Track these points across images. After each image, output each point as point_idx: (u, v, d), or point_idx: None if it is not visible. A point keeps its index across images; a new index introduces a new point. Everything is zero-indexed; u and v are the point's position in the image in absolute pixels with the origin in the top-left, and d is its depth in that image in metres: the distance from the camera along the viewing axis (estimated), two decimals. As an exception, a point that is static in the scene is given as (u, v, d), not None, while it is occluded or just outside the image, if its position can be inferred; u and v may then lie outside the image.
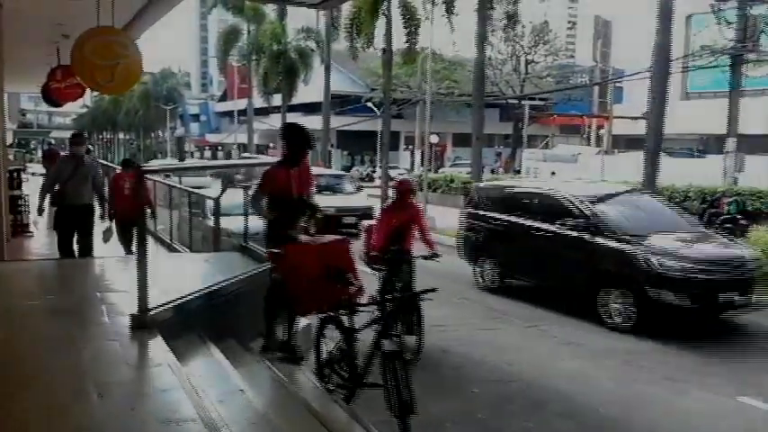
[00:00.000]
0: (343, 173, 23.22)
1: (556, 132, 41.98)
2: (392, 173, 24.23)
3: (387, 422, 4.19)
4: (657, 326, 7.66)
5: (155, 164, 34.65)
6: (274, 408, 3.98)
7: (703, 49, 21.66)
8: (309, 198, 5.00)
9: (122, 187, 10.09)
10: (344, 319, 4.54)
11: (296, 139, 4.95)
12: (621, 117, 35.23)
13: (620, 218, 8.66)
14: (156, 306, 4.43)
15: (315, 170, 5.78)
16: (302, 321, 5.48)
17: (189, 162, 50.69)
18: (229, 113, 59.11)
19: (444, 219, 15.59)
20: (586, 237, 8.42)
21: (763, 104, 25.82)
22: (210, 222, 10.31)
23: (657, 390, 6.02)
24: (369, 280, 5.29)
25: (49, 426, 3.01)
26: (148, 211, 10.44)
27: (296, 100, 35.11)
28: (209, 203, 10.32)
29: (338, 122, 38.62)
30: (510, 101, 39.73)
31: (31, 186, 13.45)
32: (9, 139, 19.73)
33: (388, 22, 21.48)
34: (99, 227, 8.50)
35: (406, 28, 21.43)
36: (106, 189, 9.18)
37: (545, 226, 9.07)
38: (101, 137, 77.36)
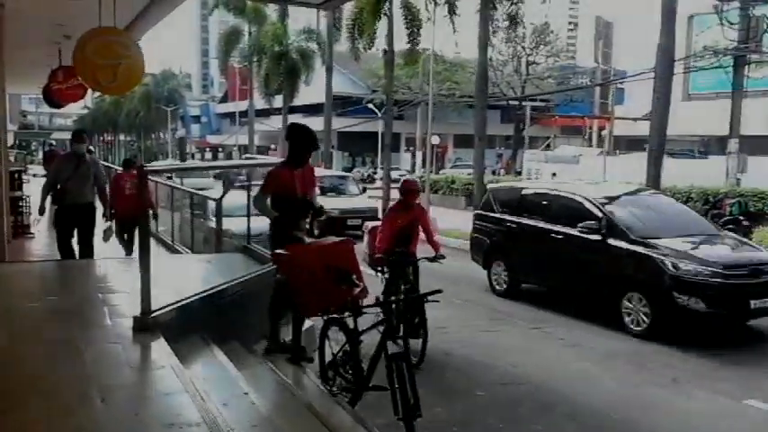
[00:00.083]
0: (347, 174, 23.11)
1: (557, 134, 41.90)
2: (393, 174, 24.19)
3: (392, 425, 4.14)
4: (681, 332, 7.44)
5: (157, 164, 34.68)
6: (279, 411, 3.93)
7: (706, 49, 21.60)
8: (313, 199, 4.97)
9: (123, 187, 10.06)
10: (349, 320, 4.49)
11: (300, 140, 4.92)
12: (623, 118, 35.20)
13: (641, 220, 8.41)
14: (158, 308, 4.38)
15: (318, 171, 5.75)
16: (305, 323, 5.43)
17: (190, 162, 50.62)
18: (230, 115, 59.17)
19: (446, 220, 15.57)
20: (606, 240, 8.15)
21: (764, 106, 25.74)
22: (212, 223, 10.30)
23: (664, 392, 5.98)
24: (372, 282, 5.23)
25: (52, 431, 2.97)
26: (150, 212, 10.44)
27: (297, 101, 35.08)
28: (211, 204, 10.30)
29: (339, 124, 38.60)
30: (511, 102, 39.72)
31: (32, 187, 13.41)
32: (10, 141, 19.67)
33: (390, 23, 21.45)
34: (99, 226, 8.46)
35: (408, 29, 21.40)
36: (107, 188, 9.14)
37: (562, 228, 8.80)
38: (101, 138, 77.35)
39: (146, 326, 4.25)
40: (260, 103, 37.83)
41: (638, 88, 34.02)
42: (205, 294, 4.99)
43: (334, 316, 4.56)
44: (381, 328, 4.31)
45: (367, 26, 21.08)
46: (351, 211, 15.07)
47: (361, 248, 5.80)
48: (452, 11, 19.70)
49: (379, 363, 4.32)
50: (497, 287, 9.75)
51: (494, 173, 35.94)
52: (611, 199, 8.93)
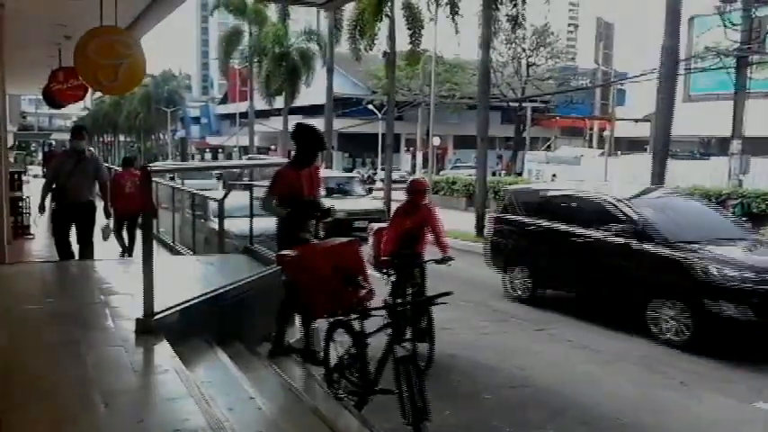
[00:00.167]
0: (353, 175, 22.93)
1: (557, 135, 41.91)
2: (393, 175, 24.11)
3: (400, 430, 4.07)
4: (715, 341, 7.09)
5: (160, 164, 34.57)
6: (284, 415, 3.85)
7: (708, 50, 21.55)
8: (318, 199, 4.91)
9: (123, 186, 10.00)
10: (355, 323, 4.42)
11: (307, 140, 4.87)
12: (624, 119, 35.18)
13: (675, 223, 8.01)
14: (161, 310, 4.31)
15: (323, 172, 5.69)
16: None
17: (193, 163, 50.58)
18: (230, 116, 59.13)
19: (447, 221, 15.39)
20: (635, 244, 7.76)
21: (767, 107, 25.70)
22: (213, 224, 10.23)
23: (673, 395, 5.90)
24: (378, 284, 5.15)
25: (54, 437, 2.91)
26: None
27: (297, 102, 35.07)
28: (212, 205, 10.23)
29: (339, 125, 38.58)
30: (511, 103, 39.67)
31: (32, 188, 13.35)
32: (10, 142, 19.62)
33: (392, 24, 21.39)
34: (99, 225, 8.39)
35: (409, 29, 21.35)
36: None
37: (590, 232, 8.39)
38: (101, 139, 77.32)
39: (148, 328, 4.17)
40: (260, 105, 37.79)
41: (638, 90, 34.02)
42: (208, 296, 4.92)
43: (341, 318, 4.48)
44: (388, 332, 4.24)
45: (368, 27, 21.02)
46: (357, 213, 14.80)
47: (365, 250, 5.71)
48: (455, 11, 19.64)
49: (384, 366, 4.26)
50: (518, 293, 9.34)
51: (494, 174, 35.90)
52: (642, 201, 8.57)
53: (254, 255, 6.83)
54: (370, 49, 23.14)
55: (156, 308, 4.26)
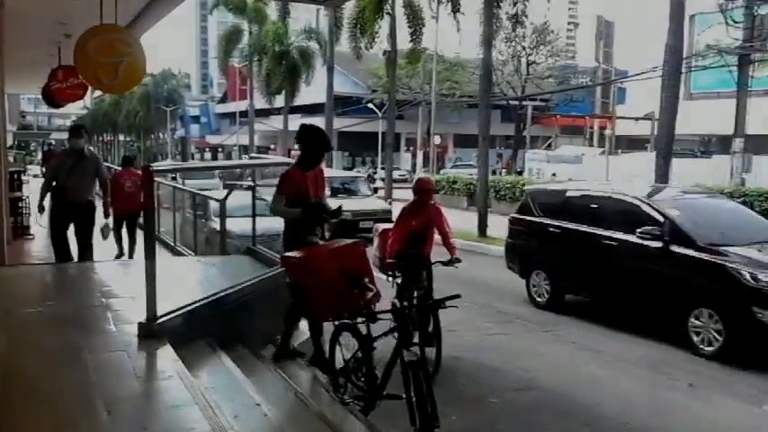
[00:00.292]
0: (358, 174, 22.75)
1: (557, 133, 41.80)
2: (393, 174, 24.10)
3: (407, 435, 4.00)
4: (761, 353, 6.64)
5: (161, 164, 34.44)
6: (290, 421, 3.79)
7: (710, 48, 21.48)
8: (323, 201, 4.85)
9: (122, 186, 9.93)
10: (361, 326, 4.34)
11: (313, 141, 4.81)
12: (625, 117, 35.09)
13: (707, 225, 7.55)
14: (164, 314, 4.24)
15: (329, 172, 5.62)
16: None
17: (194, 162, 50.47)
18: (230, 115, 59.05)
19: (448, 220, 15.36)
20: (669, 247, 7.31)
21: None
22: (214, 224, 10.17)
23: (681, 397, 5.84)
24: (383, 286, 5.07)
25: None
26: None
27: (297, 101, 34.99)
28: (213, 205, 10.16)
29: (339, 124, 38.51)
30: (511, 102, 39.60)
31: (32, 188, 13.27)
32: (9, 141, 19.56)
33: (393, 22, 21.32)
34: (98, 225, 8.31)
35: (410, 27, 21.27)
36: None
37: (616, 234, 7.95)
38: (101, 138, 77.20)
39: (151, 332, 4.10)
40: (259, 103, 37.73)
41: (638, 88, 33.96)
42: (211, 299, 4.85)
43: (346, 321, 4.41)
44: (395, 335, 4.17)
45: (369, 25, 20.94)
46: (363, 213, 14.55)
47: (371, 251, 5.62)
48: (456, 9, 19.55)
49: (391, 370, 4.18)
50: (538, 299, 8.98)
51: (494, 173, 35.85)
52: (672, 201, 8.13)
53: (257, 256, 6.76)
54: (371, 48, 23.08)
55: (159, 311, 4.19)
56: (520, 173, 31.74)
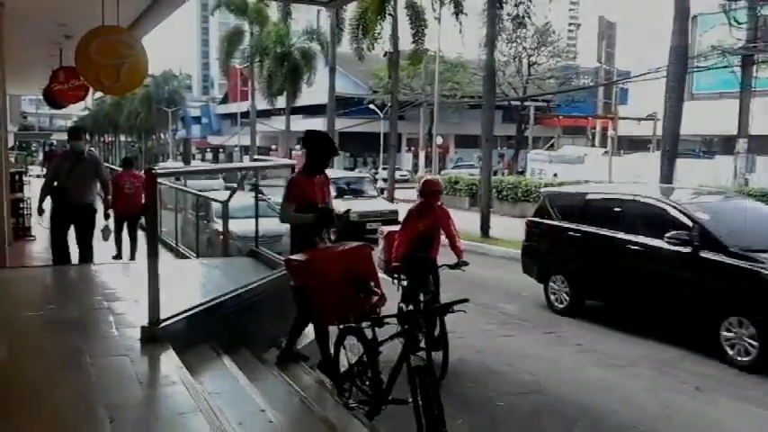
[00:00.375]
0: (364, 175, 22.63)
1: (559, 134, 41.73)
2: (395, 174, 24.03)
3: (413, 440, 3.94)
4: None
5: (163, 166, 34.34)
6: (296, 428, 3.74)
7: (714, 49, 21.40)
8: (330, 206, 4.80)
9: (123, 187, 9.89)
10: (366, 330, 4.28)
11: (319, 147, 4.78)
12: (628, 118, 34.98)
13: (739, 229, 7.19)
14: (167, 317, 4.18)
15: (334, 173, 5.59)
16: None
17: (197, 164, 50.43)
18: (231, 116, 59.03)
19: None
20: (699, 253, 6.98)
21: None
22: (216, 225, 10.13)
23: (689, 401, 5.76)
24: (389, 289, 5.02)
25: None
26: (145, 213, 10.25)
27: (298, 102, 34.96)
28: (215, 206, 10.12)
29: (340, 124, 38.46)
30: (513, 102, 39.50)
31: (33, 189, 13.23)
32: (10, 142, 19.53)
33: (395, 23, 21.26)
34: (98, 227, 8.27)
35: (413, 29, 21.21)
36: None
37: (641, 239, 7.65)
38: (102, 139, 77.23)
39: (154, 336, 4.05)
40: (260, 104, 37.71)
41: (641, 88, 33.85)
42: (215, 302, 4.79)
43: (352, 325, 4.35)
44: (401, 340, 4.11)
45: (371, 26, 20.89)
46: (370, 214, 14.41)
47: (376, 254, 5.55)
48: (459, 10, 19.49)
49: (397, 375, 4.12)
50: (557, 304, 8.71)
51: (495, 173, 35.79)
52: (700, 204, 7.83)
53: (260, 258, 6.71)
54: (373, 49, 23.02)
55: (161, 314, 4.14)
56: (521, 173, 31.65)
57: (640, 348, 7.23)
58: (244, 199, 9.01)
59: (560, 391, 5.90)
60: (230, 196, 8.12)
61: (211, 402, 3.23)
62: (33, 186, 14.60)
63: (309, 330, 5.05)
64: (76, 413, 3.14)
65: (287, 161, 8.55)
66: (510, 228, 16.17)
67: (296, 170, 6.39)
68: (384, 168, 33.52)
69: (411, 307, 5.60)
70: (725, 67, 20.98)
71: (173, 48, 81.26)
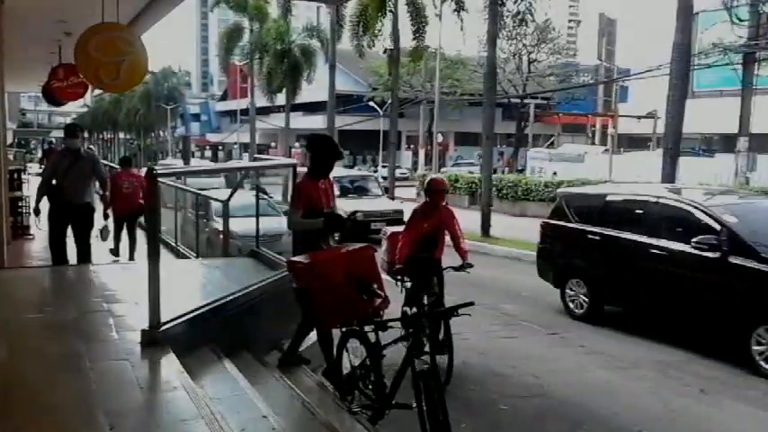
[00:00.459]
0: (369, 173, 22.49)
1: (559, 131, 41.68)
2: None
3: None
4: None
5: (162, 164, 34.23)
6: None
7: (715, 46, 21.33)
8: (335, 210, 4.75)
9: (121, 186, 9.82)
10: (370, 334, 4.22)
11: (323, 150, 4.73)
12: (628, 116, 34.94)
13: None
14: (168, 320, 4.12)
15: (338, 171, 5.53)
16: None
17: (196, 162, 50.40)
18: (230, 113, 58.95)
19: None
20: (728, 258, 6.70)
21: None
22: (215, 224, 10.07)
23: (693, 403, 5.72)
24: (392, 291, 4.95)
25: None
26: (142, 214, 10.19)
27: (297, 99, 34.87)
28: (215, 205, 10.06)
29: (340, 122, 38.39)
30: (512, 100, 39.42)
31: (32, 187, 13.16)
32: (9, 139, 19.46)
33: (395, 20, 21.19)
34: (97, 226, 8.21)
35: (413, 26, 21.13)
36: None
37: (664, 243, 7.36)
38: (101, 136, 77.09)
39: (155, 340, 3.99)
40: (260, 101, 37.63)
41: (641, 86, 33.81)
42: (216, 304, 4.73)
43: (355, 328, 4.29)
44: (405, 343, 4.05)
45: (371, 23, 20.81)
46: (375, 214, 14.18)
47: (379, 255, 5.48)
48: (461, 7, 19.41)
49: (401, 379, 4.07)
50: (575, 309, 8.44)
51: (495, 171, 35.72)
52: (728, 207, 7.44)
53: (261, 258, 6.65)
54: (373, 46, 22.95)
55: (162, 317, 4.08)
56: (521, 171, 31.61)
57: (644, 350, 7.18)
58: (244, 198, 8.95)
59: (564, 394, 5.85)
60: (231, 195, 8.05)
61: (213, 408, 3.18)
62: (32, 184, 14.53)
63: (311, 333, 4.99)
64: (76, 418, 3.08)
65: (288, 160, 8.50)
66: (510, 227, 16.15)
67: (297, 169, 6.39)
68: (384, 166, 33.47)
69: (415, 310, 5.52)
70: (726, 64, 20.92)
71: (172, 44, 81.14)
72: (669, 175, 12.57)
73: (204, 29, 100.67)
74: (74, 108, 63.89)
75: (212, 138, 65.44)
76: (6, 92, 9.79)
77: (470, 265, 5.94)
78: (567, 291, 8.64)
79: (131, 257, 9.84)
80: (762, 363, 6.37)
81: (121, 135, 72.12)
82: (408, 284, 5.80)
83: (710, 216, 7.10)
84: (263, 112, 41.78)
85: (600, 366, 6.70)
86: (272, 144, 54.07)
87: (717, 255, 6.79)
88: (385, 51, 24.83)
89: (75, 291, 6.04)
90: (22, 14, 8.20)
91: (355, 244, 4.51)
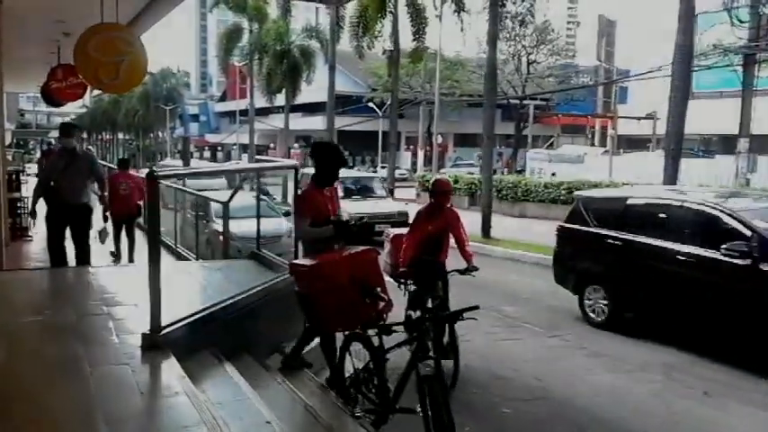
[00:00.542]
0: (373, 175, 22.37)
1: (558, 132, 41.66)
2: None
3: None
4: None
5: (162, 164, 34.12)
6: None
7: (716, 47, 21.31)
8: (341, 217, 4.70)
9: (118, 188, 9.78)
10: (373, 337, 4.18)
11: (329, 158, 4.68)
12: (628, 117, 34.91)
13: None
14: (168, 324, 4.07)
15: (343, 172, 5.45)
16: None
17: (195, 163, 50.25)
18: (229, 113, 58.90)
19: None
20: (760, 266, 6.37)
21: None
22: (215, 226, 10.01)
23: (697, 406, 5.68)
24: (395, 294, 4.90)
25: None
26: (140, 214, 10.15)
27: (297, 100, 34.84)
28: (215, 206, 10.01)
29: (339, 123, 38.38)
30: (512, 101, 39.40)
31: (30, 188, 13.11)
32: (8, 140, 19.42)
33: (395, 21, 21.15)
34: (95, 228, 8.15)
35: (413, 27, 21.10)
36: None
37: (692, 249, 7.04)
38: (100, 137, 77.02)
39: (155, 344, 3.94)
40: (259, 102, 37.60)
41: (640, 87, 33.80)
42: (217, 307, 4.68)
43: (358, 332, 4.25)
44: (408, 347, 4.01)
45: (371, 24, 20.78)
46: (379, 216, 13.97)
47: (382, 258, 5.43)
48: (460, 7, 19.37)
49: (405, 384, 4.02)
50: (594, 317, 8.14)
51: (494, 172, 35.66)
52: (757, 212, 7.13)
53: (261, 260, 6.60)
54: (373, 47, 22.92)
55: (163, 320, 4.03)
56: (520, 172, 31.58)
57: (647, 352, 7.14)
58: (244, 199, 8.90)
59: (567, 397, 5.81)
60: (231, 196, 8.00)
61: (215, 414, 3.13)
62: (31, 185, 14.47)
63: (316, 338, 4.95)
64: (76, 425, 3.03)
65: (289, 162, 8.44)
66: (510, 228, 16.13)
67: (297, 169, 6.34)
68: (383, 167, 33.44)
69: (419, 313, 5.46)
70: (726, 65, 20.90)
71: (171, 45, 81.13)
72: (671, 176, 12.54)
73: (203, 29, 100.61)
74: (72, 109, 63.81)
75: (211, 138, 65.39)
76: (5, 92, 9.76)
77: (475, 269, 5.84)
78: (586, 297, 8.34)
79: (131, 259, 9.80)
80: None
81: (120, 136, 72.08)
82: (412, 287, 5.73)
83: (740, 221, 6.81)
84: (263, 112, 41.76)
85: (603, 369, 6.67)
86: (272, 145, 54.04)
87: (747, 262, 6.50)
88: (384, 52, 24.78)
89: (74, 293, 5.98)
90: (21, 14, 8.16)
91: (357, 246, 4.46)
